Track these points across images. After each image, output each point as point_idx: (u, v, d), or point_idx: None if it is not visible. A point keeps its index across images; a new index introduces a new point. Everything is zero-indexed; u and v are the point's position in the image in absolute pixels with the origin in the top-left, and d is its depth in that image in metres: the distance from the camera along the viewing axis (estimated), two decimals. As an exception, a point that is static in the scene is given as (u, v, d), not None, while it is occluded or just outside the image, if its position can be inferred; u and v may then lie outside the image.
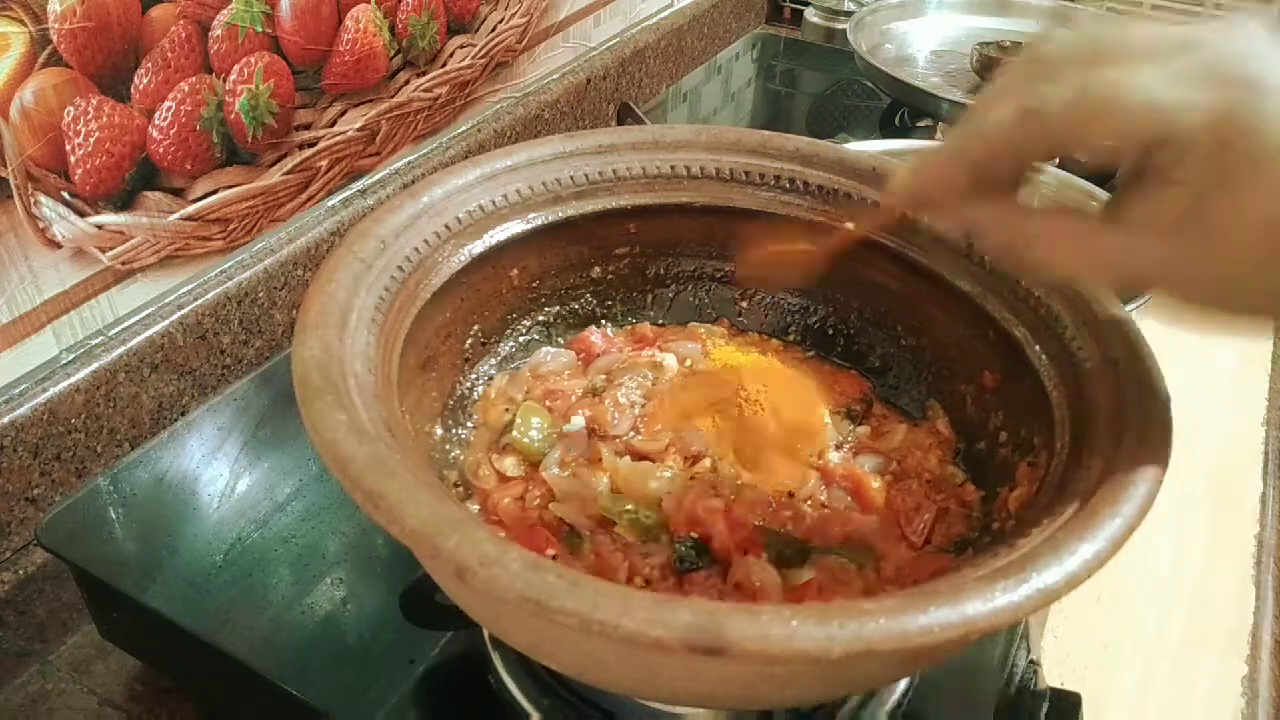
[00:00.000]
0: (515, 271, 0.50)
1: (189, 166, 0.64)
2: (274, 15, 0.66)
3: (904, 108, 1.05)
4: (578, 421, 0.48)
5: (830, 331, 0.54)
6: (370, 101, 0.76)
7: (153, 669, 0.53)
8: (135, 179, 0.61)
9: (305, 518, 0.52)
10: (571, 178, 0.49)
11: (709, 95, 1.15)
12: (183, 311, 0.65)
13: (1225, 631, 0.62)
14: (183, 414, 0.66)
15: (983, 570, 0.31)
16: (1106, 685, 0.58)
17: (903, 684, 0.45)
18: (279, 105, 0.68)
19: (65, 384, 0.59)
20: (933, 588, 0.30)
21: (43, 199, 0.56)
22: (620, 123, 0.96)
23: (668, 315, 0.55)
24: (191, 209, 0.65)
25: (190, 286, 0.66)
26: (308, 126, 0.71)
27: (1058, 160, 0.93)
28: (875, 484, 0.45)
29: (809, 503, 0.44)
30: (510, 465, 0.46)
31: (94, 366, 0.60)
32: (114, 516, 0.52)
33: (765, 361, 0.52)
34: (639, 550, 0.42)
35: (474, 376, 0.50)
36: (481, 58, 0.87)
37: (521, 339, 0.52)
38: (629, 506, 0.42)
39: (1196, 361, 0.84)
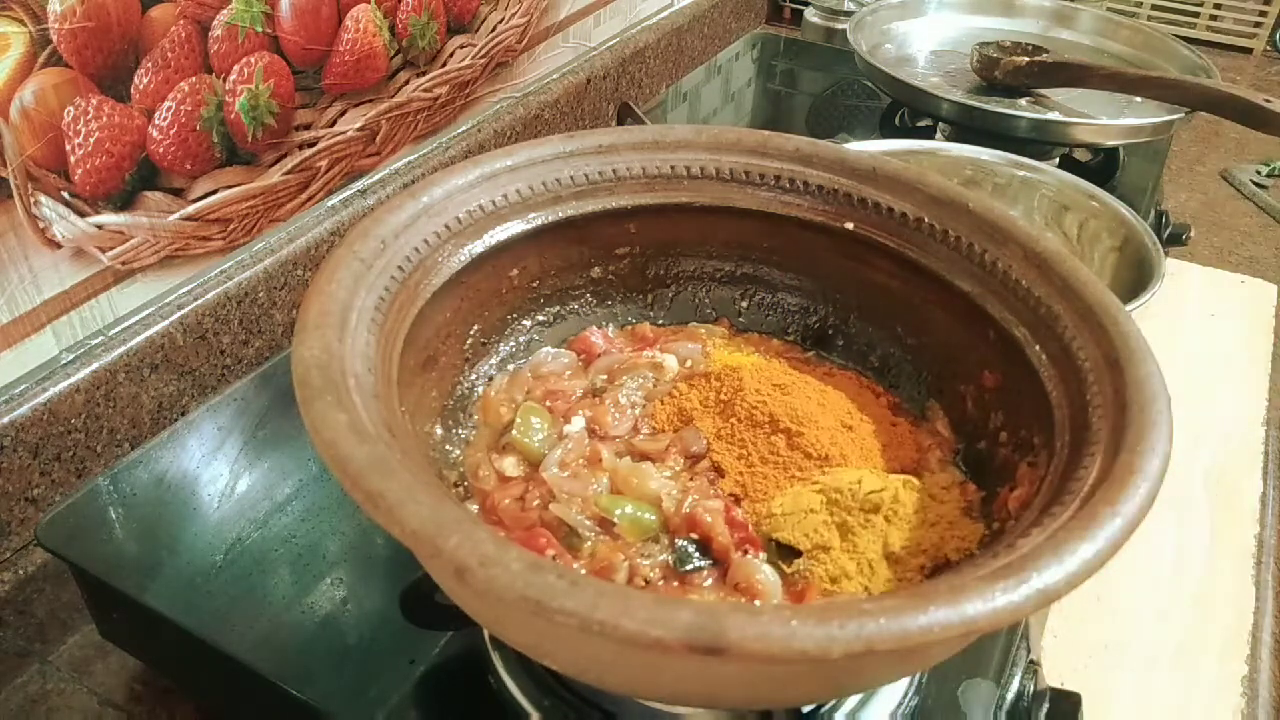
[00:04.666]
0: (515, 271, 0.50)
1: (189, 166, 0.64)
2: (274, 15, 0.66)
3: (904, 108, 1.05)
4: (578, 422, 0.48)
5: (830, 331, 0.54)
6: (370, 101, 0.76)
7: (153, 669, 0.53)
8: (135, 179, 0.61)
9: (305, 518, 0.52)
10: (571, 178, 0.49)
11: (709, 95, 1.15)
12: (183, 311, 0.65)
13: (1225, 631, 0.62)
14: (183, 414, 0.66)
15: (983, 570, 0.31)
16: (1106, 685, 0.58)
17: (903, 684, 0.45)
18: (279, 105, 0.68)
19: (65, 384, 0.59)
20: (933, 588, 0.30)
21: (43, 199, 0.56)
22: (620, 123, 0.96)
23: (668, 315, 0.55)
24: (191, 209, 0.65)
25: (190, 286, 0.66)
26: (308, 126, 0.71)
27: (1057, 160, 0.93)
28: (875, 484, 0.45)
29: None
30: (510, 465, 0.46)
31: (94, 366, 0.60)
32: (114, 516, 0.52)
33: (767, 365, 0.52)
34: (639, 550, 0.42)
35: (474, 376, 0.50)
36: (481, 58, 0.87)
37: (521, 339, 0.52)
38: (629, 507, 0.42)
39: (1196, 361, 0.84)
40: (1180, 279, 0.94)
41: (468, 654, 0.45)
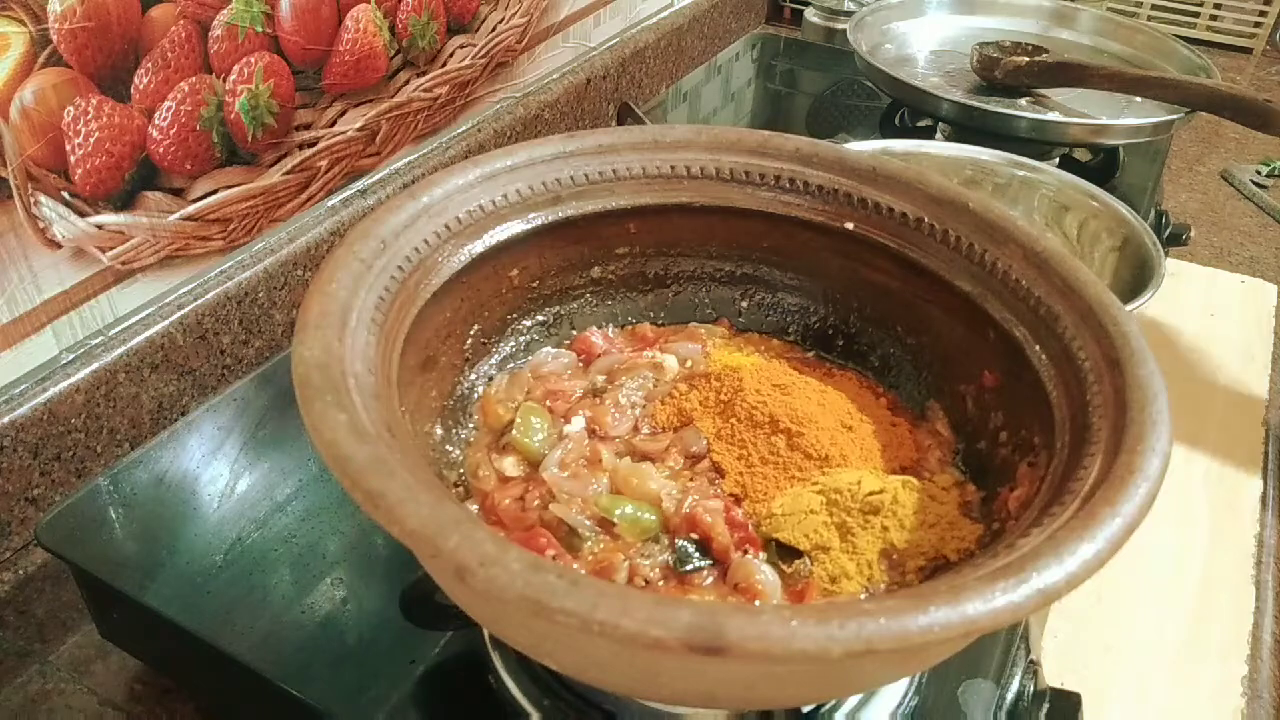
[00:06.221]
0: (515, 271, 0.50)
1: (189, 166, 0.64)
2: (274, 15, 0.66)
3: (904, 108, 1.05)
4: (578, 422, 0.48)
5: (830, 331, 0.54)
6: (370, 101, 0.76)
7: (153, 669, 0.53)
8: (135, 179, 0.61)
9: (305, 518, 0.52)
10: (571, 178, 0.49)
11: (709, 95, 1.15)
12: (183, 311, 0.65)
13: (1225, 631, 0.62)
14: (183, 414, 0.66)
15: (983, 570, 0.31)
16: (1106, 685, 0.58)
17: (903, 684, 0.45)
18: (279, 105, 0.68)
19: (65, 384, 0.59)
20: (932, 588, 0.30)
21: (43, 199, 0.56)
22: (620, 123, 0.96)
23: (668, 315, 0.55)
24: (191, 209, 0.65)
25: (190, 286, 0.66)
26: (308, 126, 0.71)
27: (1057, 160, 0.93)
28: (875, 484, 0.45)
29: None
30: (510, 465, 0.46)
31: (94, 366, 0.60)
32: (114, 516, 0.52)
33: (767, 365, 0.52)
34: (639, 550, 0.42)
35: (474, 376, 0.50)
36: (481, 58, 0.87)
37: (521, 339, 0.52)
38: (629, 507, 0.42)
39: (1196, 361, 0.84)
40: (1180, 279, 0.94)
41: (468, 654, 0.45)
